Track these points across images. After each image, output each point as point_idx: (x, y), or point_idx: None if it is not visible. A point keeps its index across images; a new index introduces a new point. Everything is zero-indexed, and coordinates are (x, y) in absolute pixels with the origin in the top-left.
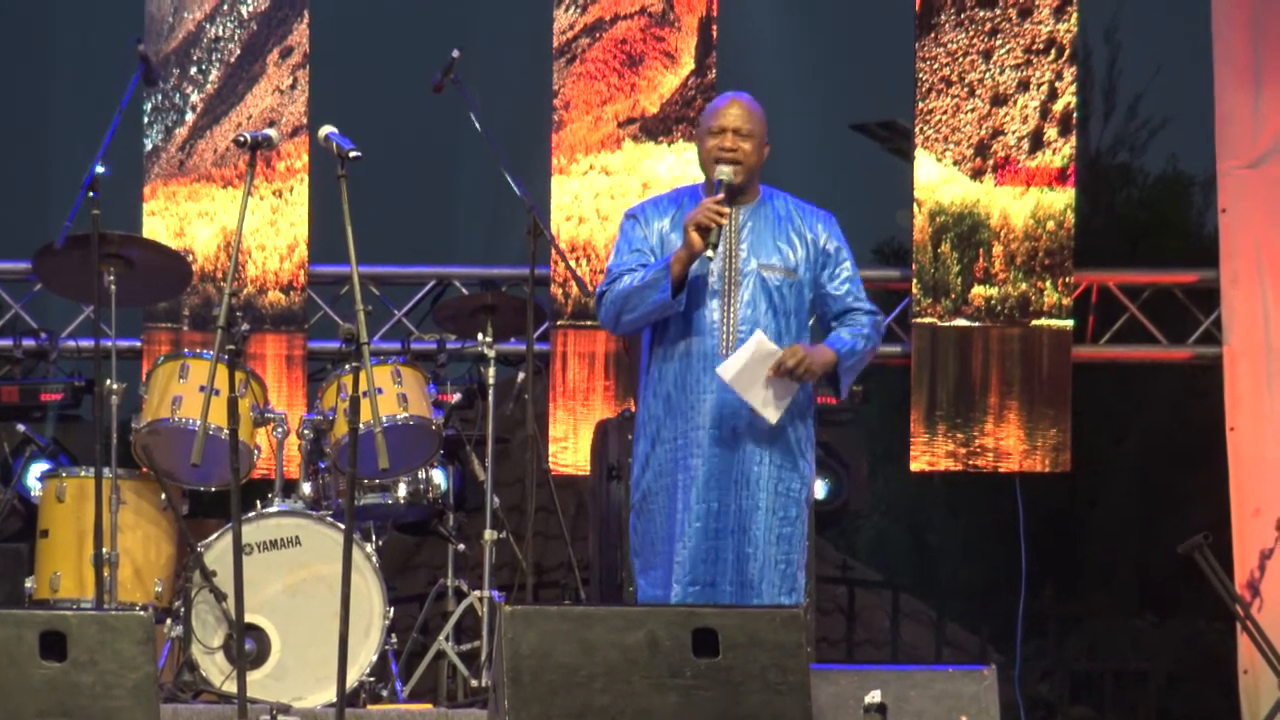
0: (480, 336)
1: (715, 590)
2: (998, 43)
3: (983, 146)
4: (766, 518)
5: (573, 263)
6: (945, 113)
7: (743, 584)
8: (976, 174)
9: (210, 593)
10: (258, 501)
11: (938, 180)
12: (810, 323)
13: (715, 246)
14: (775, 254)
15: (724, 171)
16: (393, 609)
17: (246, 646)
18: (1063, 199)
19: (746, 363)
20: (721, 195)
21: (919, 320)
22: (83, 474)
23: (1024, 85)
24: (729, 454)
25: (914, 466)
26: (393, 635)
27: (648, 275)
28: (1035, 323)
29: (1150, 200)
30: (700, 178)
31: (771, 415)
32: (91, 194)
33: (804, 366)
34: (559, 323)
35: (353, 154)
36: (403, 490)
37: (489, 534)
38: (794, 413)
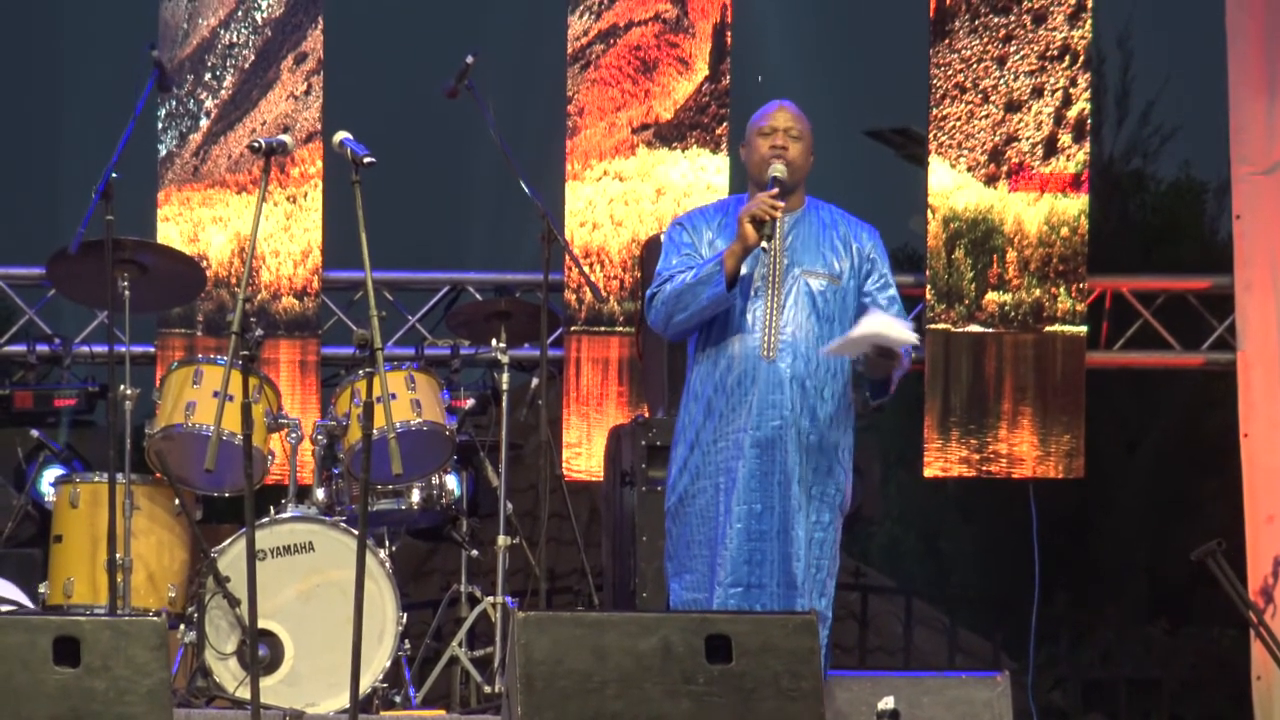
0: (494, 342)
1: (762, 592)
2: (1012, 49)
3: (997, 153)
4: (805, 520)
5: (586, 268)
6: (959, 119)
7: (789, 585)
8: (990, 180)
9: (224, 598)
10: (271, 507)
11: (951, 186)
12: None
13: (770, 239)
14: (819, 260)
15: (777, 168)
16: (406, 615)
17: (260, 652)
18: (1076, 205)
19: (884, 330)
20: (775, 190)
21: (933, 326)
22: (96, 479)
23: (1038, 91)
24: (769, 456)
25: (927, 472)
26: (406, 641)
27: (700, 272)
28: (1049, 329)
29: (1164, 206)
30: (732, 190)
31: (836, 350)
32: (105, 199)
33: (886, 352)
34: (573, 328)
35: (367, 160)
36: (416, 496)
37: (502, 540)
38: (836, 420)
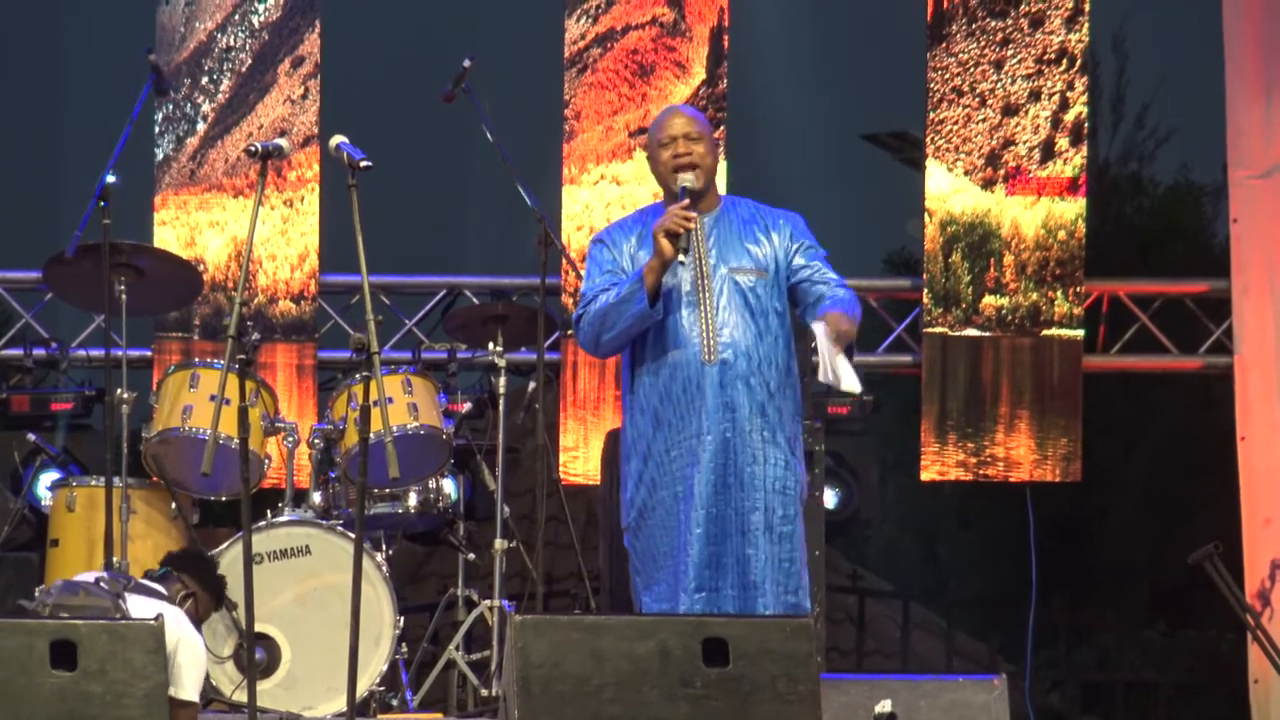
0: (491, 346)
1: (719, 595)
2: (1009, 53)
3: (994, 156)
4: (766, 517)
5: (583, 273)
6: (956, 123)
7: (745, 586)
8: (987, 184)
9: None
10: (268, 511)
11: (949, 190)
12: (789, 320)
13: (686, 251)
14: (744, 256)
15: (685, 178)
16: (403, 618)
17: (257, 656)
18: (1073, 209)
19: (829, 354)
20: (686, 201)
21: (930, 330)
22: (93, 483)
23: (1035, 95)
24: (723, 460)
25: (924, 476)
26: (403, 645)
27: (622, 290)
28: (1046, 332)
29: (1161, 210)
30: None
31: (858, 384)
32: (102, 203)
33: (845, 325)
34: (570, 332)
35: (363, 163)
36: (413, 500)
37: (499, 543)
38: (785, 412)
